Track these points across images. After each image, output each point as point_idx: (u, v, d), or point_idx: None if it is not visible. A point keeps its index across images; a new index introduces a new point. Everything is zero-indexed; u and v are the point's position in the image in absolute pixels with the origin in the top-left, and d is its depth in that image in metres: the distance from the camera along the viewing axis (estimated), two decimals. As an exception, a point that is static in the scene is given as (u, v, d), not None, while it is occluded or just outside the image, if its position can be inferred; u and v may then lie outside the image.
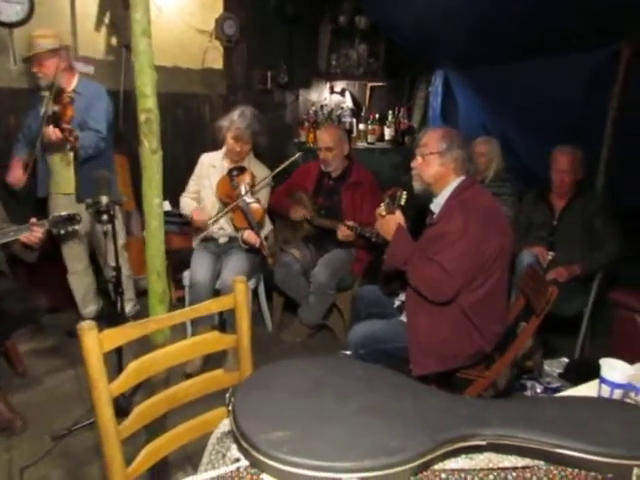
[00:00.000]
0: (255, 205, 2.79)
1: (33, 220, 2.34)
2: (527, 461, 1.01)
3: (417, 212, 2.73)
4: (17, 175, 2.82)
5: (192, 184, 3.00)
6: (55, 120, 2.54)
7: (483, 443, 1.00)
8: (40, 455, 2.13)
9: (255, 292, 3.10)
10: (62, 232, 2.39)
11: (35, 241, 2.32)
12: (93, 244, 3.04)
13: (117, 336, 1.28)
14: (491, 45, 3.43)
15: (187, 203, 2.97)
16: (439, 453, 0.97)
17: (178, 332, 2.51)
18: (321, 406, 1.03)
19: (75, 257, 3.03)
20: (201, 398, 1.45)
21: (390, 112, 4.68)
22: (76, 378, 2.69)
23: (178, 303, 3.33)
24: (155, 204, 1.80)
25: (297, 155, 3.08)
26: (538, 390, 2.67)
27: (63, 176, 2.85)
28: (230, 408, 1.03)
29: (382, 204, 2.13)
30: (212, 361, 2.69)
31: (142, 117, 1.75)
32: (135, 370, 1.30)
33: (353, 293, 3.01)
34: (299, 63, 4.43)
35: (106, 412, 1.23)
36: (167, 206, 3.35)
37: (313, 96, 4.59)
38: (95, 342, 1.22)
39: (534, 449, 1.00)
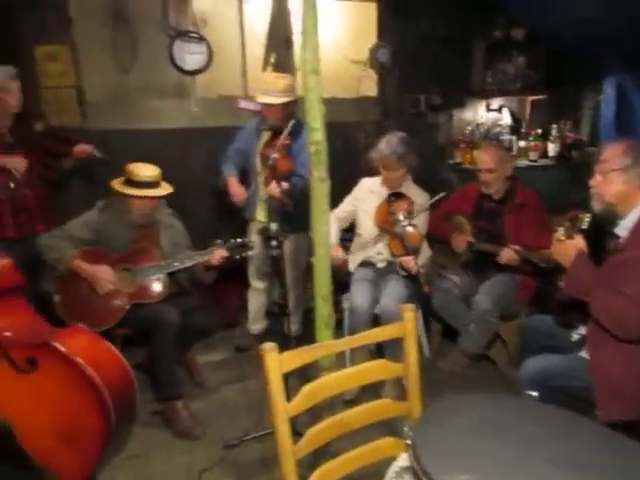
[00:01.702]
0: (413, 231, 2.76)
1: (216, 244, 2.64)
2: None
3: (594, 235, 2.46)
4: (239, 192, 3.01)
5: (347, 203, 3.06)
6: (274, 171, 2.70)
7: None
8: (215, 461, 2.30)
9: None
10: (237, 257, 2.65)
11: (215, 264, 2.60)
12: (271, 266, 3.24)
13: (295, 358, 1.34)
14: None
15: (331, 231, 3.02)
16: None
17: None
18: (507, 450, 0.96)
19: (257, 276, 3.27)
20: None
21: (554, 126, 4.35)
22: (244, 391, 2.89)
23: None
24: (323, 232, 1.89)
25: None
26: None
27: (265, 206, 3.04)
28: (409, 442, 1.01)
29: (560, 228, 1.94)
30: (369, 388, 2.69)
31: (312, 149, 1.84)
32: (309, 393, 1.35)
33: (520, 323, 2.79)
34: (452, 83, 4.35)
35: (283, 430, 1.28)
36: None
37: (468, 115, 4.47)
38: (276, 363, 1.28)
39: None
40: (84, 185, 3.49)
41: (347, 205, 3.04)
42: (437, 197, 2.88)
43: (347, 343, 1.50)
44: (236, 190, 3.03)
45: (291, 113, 2.96)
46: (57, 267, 2.57)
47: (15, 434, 1.89)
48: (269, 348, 1.28)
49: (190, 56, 3.63)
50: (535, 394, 1.82)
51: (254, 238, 2.88)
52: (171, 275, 2.73)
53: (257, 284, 3.31)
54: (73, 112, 3.54)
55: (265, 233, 2.35)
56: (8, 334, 1.95)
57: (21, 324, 2.04)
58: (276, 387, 1.27)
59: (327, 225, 1.88)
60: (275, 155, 2.72)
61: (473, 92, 4.40)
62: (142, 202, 2.66)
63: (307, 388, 1.35)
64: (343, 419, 1.41)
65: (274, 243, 2.36)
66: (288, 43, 3.78)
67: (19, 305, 2.12)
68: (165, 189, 2.70)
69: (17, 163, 2.81)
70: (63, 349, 1.92)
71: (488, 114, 4.48)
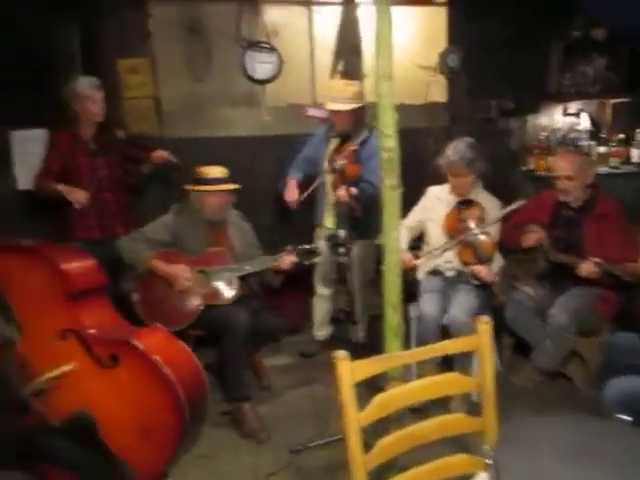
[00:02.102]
0: (485, 239, 2.68)
1: (287, 249, 2.70)
2: None
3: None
4: (294, 195, 3.05)
5: (415, 212, 3.01)
6: (343, 176, 2.75)
7: None
8: (280, 466, 2.32)
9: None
10: (306, 263, 2.69)
11: (285, 269, 2.64)
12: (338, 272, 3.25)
13: (366, 367, 1.33)
14: None
15: (401, 239, 2.98)
16: None
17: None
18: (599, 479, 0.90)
19: (322, 282, 3.29)
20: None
21: (638, 130, 4.08)
22: (310, 397, 2.90)
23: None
24: (393, 238, 1.87)
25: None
26: None
27: (333, 212, 3.05)
28: (490, 462, 0.97)
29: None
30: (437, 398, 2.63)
31: (384, 156, 1.83)
32: (380, 403, 1.33)
33: (602, 340, 2.63)
34: (525, 87, 4.20)
35: (355, 440, 1.27)
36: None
37: (542, 120, 4.29)
38: (348, 372, 1.27)
39: None
40: (159, 190, 3.65)
41: (416, 214, 3.00)
42: (514, 205, 2.77)
43: (419, 354, 1.47)
44: (290, 192, 3.07)
45: (359, 120, 2.97)
46: (136, 268, 2.71)
47: (98, 426, 2.00)
48: (341, 357, 1.27)
49: (261, 65, 3.73)
50: (628, 418, 1.69)
51: (321, 244, 2.90)
52: (242, 278, 2.80)
53: (323, 290, 3.32)
54: (151, 121, 3.73)
55: (333, 240, 2.36)
56: (93, 332, 2.06)
57: (104, 322, 2.15)
58: (348, 396, 1.26)
59: (398, 232, 1.86)
60: (343, 161, 2.77)
61: (549, 96, 4.22)
62: (214, 198, 2.76)
63: (379, 398, 1.33)
64: (415, 432, 1.38)
65: (342, 250, 2.37)
66: (356, 50, 3.79)
67: (102, 304, 2.24)
68: (233, 185, 2.80)
69: (80, 197, 2.97)
70: (142, 347, 2.01)
71: (565, 118, 4.28)
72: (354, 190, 2.78)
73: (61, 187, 2.97)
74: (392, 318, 1.87)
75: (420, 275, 2.94)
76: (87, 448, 1.97)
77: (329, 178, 3.03)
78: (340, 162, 2.79)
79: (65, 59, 3.69)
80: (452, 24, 4.03)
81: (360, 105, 2.97)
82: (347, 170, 2.78)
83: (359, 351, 2.24)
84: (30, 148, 3.71)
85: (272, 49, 3.71)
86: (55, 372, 2.01)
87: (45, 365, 2.04)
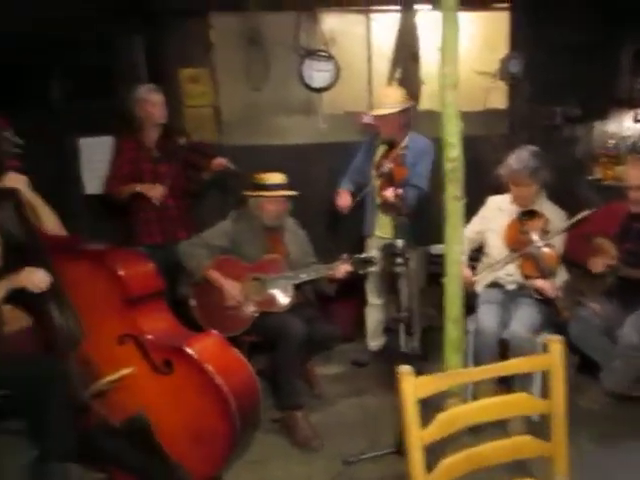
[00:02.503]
0: (549, 252, 2.57)
1: (343, 258, 2.70)
2: None
3: None
4: (346, 201, 3.06)
5: (474, 223, 2.93)
6: (390, 179, 2.74)
7: None
8: (332, 476, 2.30)
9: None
10: (361, 272, 2.67)
11: (340, 278, 2.64)
12: (390, 282, 3.22)
13: (430, 384, 1.29)
14: None
15: None
16: None
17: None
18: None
19: (375, 292, 3.27)
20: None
21: None
22: (361, 407, 2.86)
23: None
24: (456, 250, 1.83)
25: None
26: None
27: (387, 221, 3.03)
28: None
29: None
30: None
31: (448, 165, 1.80)
32: (444, 421, 1.29)
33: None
34: (592, 93, 4.01)
35: (417, 458, 1.24)
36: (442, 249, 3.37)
37: (611, 127, 4.08)
38: (412, 387, 1.24)
39: None
40: (217, 196, 3.72)
41: (475, 226, 2.91)
42: (580, 216, 2.64)
43: (486, 372, 1.41)
44: (342, 199, 3.08)
45: (405, 124, 3.00)
46: (194, 274, 2.76)
47: (154, 429, 2.04)
48: (405, 372, 1.24)
49: (318, 74, 3.74)
50: None
51: (373, 254, 2.89)
52: (297, 286, 2.81)
53: (375, 300, 3.29)
54: (210, 129, 3.81)
55: (390, 249, 2.33)
56: (150, 337, 2.11)
57: (161, 328, 2.20)
58: (411, 413, 1.23)
59: (461, 244, 1.82)
60: (390, 165, 2.79)
61: (618, 102, 4.01)
62: (273, 204, 2.79)
63: (443, 416, 1.29)
64: (481, 453, 1.33)
65: (400, 260, 2.33)
66: (414, 57, 3.75)
67: (160, 309, 2.29)
68: (292, 192, 2.84)
69: (157, 191, 3.06)
70: (195, 355, 2.04)
71: (636, 125, 4.05)
72: (400, 190, 2.72)
73: (139, 187, 3.07)
74: (453, 332, 1.83)
75: (478, 287, 2.85)
76: (145, 450, 2.02)
77: (377, 184, 3.02)
78: (387, 166, 2.80)
79: (130, 69, 3.84)
80: (514, 28, 3.91)
81: (404, 108, 2.97)
82: (394, 173, 2.77)
83: (412, 363, 2.20)
84: (97, 155, 3.89)
85: (329, 57, 3.72)
86: (115, 375, 2.08)
87: (105, 368, 2.12)
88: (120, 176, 3.14)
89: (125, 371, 2.08)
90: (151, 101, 3.11)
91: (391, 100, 2.97)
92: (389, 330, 3.43)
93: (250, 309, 2.73)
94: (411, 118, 3.07)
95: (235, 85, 3.79)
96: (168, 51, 3.73)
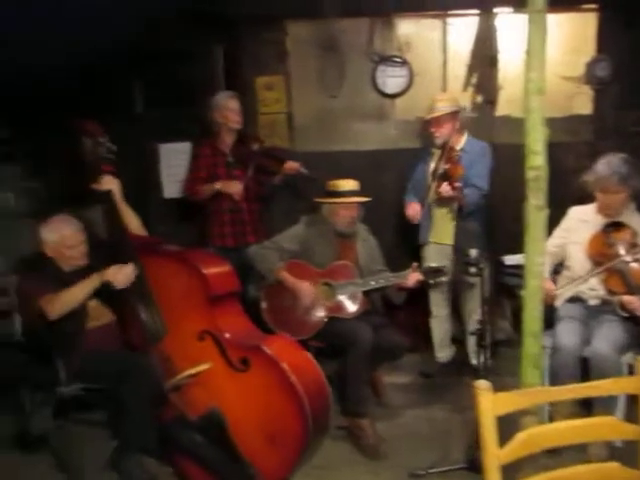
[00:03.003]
0: (637, 267, 2.40)
1: (414, 265, 2.69)
2: None
3: None
4: (416, 209, 3.09)
5: (556, 236, 2.79)
6: (446, 177, 2.80)
7: None
8: (399, 488, 2.27)
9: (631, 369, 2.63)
10: (431, 282, 2.65)
11: (409, 287, 2.60)
12: (458, 293, 3.17)
13: (509, 401, 1.23)
14: None
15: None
16: None
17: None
18: None
19: (439, 303, 3.23)
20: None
21: None
22: (429, 419, 2.80)
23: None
24: (537, 263, 1.74)
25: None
26: None
27: (444, 228, 3.07)
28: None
29: None
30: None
31: (530, 174, 1.73)
32: (523, 441, 1.23)
33: None
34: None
35: (494, 478, 1.19)
36: (518, 260, 3.25)
37: None
38: (490, 403, 1.19)
39: None
40: (287, 200, 3.78)
41: (556, 239, 2.77)
42: None
43: (567, 392, 1.33)
44: (411, 208, 3.10)
45: (459, 128, 3.03)
46: (266, 277, 2.81)
47: (227, 425, 2.09)
48: (484, 387, 1.20)
49: (392, 80, 3.73)
50: None
51: (432, 262, 2.87)
52: (365, 293, 2.80)
53: (440, 311, 3.24)
54: (283, 136, 3.89)
55: (464, 259, 2.27)
56: (227, 335, 2.17)
57: (238, 326, 2.26)
58: (489, 430, 1.19)
59: (542, 256, 1.74)
60: (446, 165, 2.84)
61: None
62: (346, 210, 2.80)
63: (523, 436, 1.23)
64: (564, 477, 1.25)
65: (473, 270, 2.27)
66: (492, 61, 3.64)
67: (236, 309, 2.35)
68: (365, 197, 2.85)
69: (236, 187, 3.18)
70: (271, 354, 2.07)
71: None
72: (458, 184, 2.77)
73: (218, 184, 3.20)
74: (531, 348, 1.74)
75: (558, 302, 2.71)
76: (219, 446, 2.08)
77: (433, 190, 3.01)
78: (443, 167, 2.86)
79: (209, 78, 4.00)
80: (602, 31, 3.70)
81: (456, 111, 3.02)
82: (450, 171, 2.81)
83: (483, 377, 2.12)
84: (175, 160, 4.08)
85: (404, 63, 3.69)
86: (193, 370, 2.14)
87: (183, 363, 2.19)
88: (198, 179, 3.27)
89: (203, 366, 2.14)
90: (229, 107, 3.23)
91: (442, 103, 3.03)
92: (456, 340, 3.36)
93: (319, 314, 2.75)
94: (465, 121, 3.11)
95: (309, 91, 3.84)
96: (245, 60, 3.85)
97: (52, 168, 4.29)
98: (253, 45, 3.81)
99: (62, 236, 2.41)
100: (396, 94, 3.75)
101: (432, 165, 3.08)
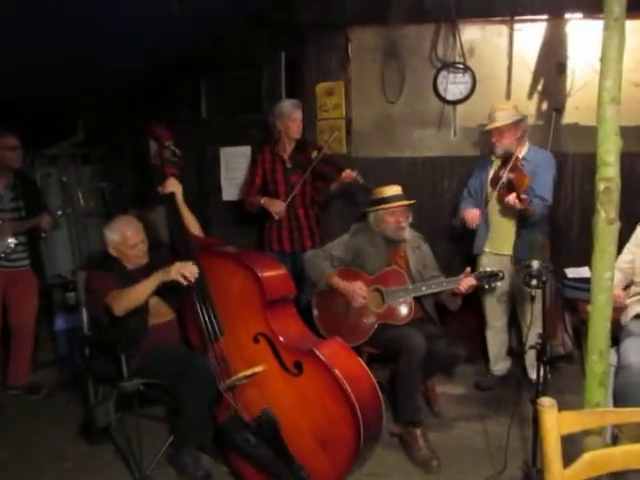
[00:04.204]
0: None
1: (466, 271, 2.64)
2: None
3: None
4: (475, 213, 3.01)
5: (627, 252, 2.65)
6: (511, 187, 2.73)
7: None
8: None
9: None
10: (486, 286, 2.64)
11: (463, 292, 2.60)
12: (517, 305, 3.08)
13: (574, 420, 1.20)
14: None
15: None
16: None
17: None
18: None
19: (495, 314, 3.15)
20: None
21: None
22: (484, 433, 2.72)
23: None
24: (605, 277, 1.68)
25: None
26: None
27: (502, 238, 3.00)
28: None
29: None
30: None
31: (601, 185, 1.67)
32: (590, 462, 1.19)
33: None
34: None
35: (557, 498, 1.15)
36: (581, 273, 3.12)
37: None
38: (554, 422, 1.16)
39: None
40: (342, 206, 3.80)
41: (628, 254, 2.61)
42: None
43: (638, 414, 1.27)
44: (470, 212, 3.02)
45: (521, 137, 2.94)
46: (318, 283, 2.84)
47: (280, 427, 2.12)
48: (549, 405, 1.17)
49: (453, 86, 3.68)
50: None
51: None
52: (418, 299, 2.78)
53: (496, 322, 3.15)
54: (340, 141, 3.90)
55: (527, 271, 2.20)
56: (282, 339, 2.20)
57: (292, 330, 2.29)
58: (553, 449, 1.15)
59: (611, 271, 1.67)
60: (511, 174, 2.76)
61: None
62: (392, 216, 2.80)
63: (589, 456, 1.18)
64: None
65: (535, 282, 2.19)
66: (561, 68, 3.52)
67: (291, 313, 2.39)
68: (409, 201, 2.84)
69: (278, 207, 3.23)
70: (325, 359, 2.08)
71: None
72: (525, 196, 2.70)
73: (263, 200, 3.27)
74: (597, 365, 1.67)
75: (625, 319, 2.58)
76: (271, 447, 2.11)
77: (493, 198, 2.93)
78: (507, 176, 2.77)
79: (271, 83, 4.09)
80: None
81: (518, 120, 2.92)
82: (516, 180, 2.74)
83: (543, 393, 2.05)
84: (234, 164, 4.20)
85: (466, 69, 3.63)
86: (248, 371, 2.19)
87: (239, 364, 2.25)
88: (253, 185, 3.36)
89: (258, 368, 2.18)
90: (291, 117, 3.28)
91: (503, 112, 2.94)
92: (512, 352, 3.26)
93: (370, 320, 2.75)
94: (527, 130, 3.01)
95: (369, 97, 3.85)
96: (307, 65, 3.90)
97: (120, 170, 4.52)
98: (315, 51, 3.87)
99: (124, 236, 2.52)
100: (457, 101, 3.69)
101: (492, 172, 3.01)
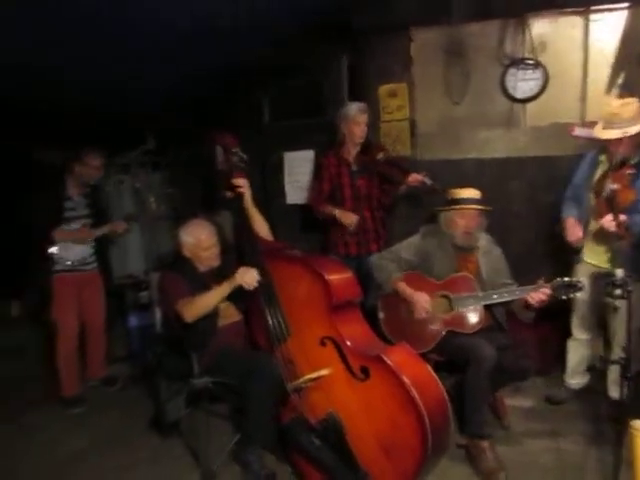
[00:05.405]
0: None
1: (540, 282, 2.49)
2: None
3: None
4: (575, 231, 2.69)
5: None
6: (612, 201, 2.39)
7: None
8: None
9: None
10: (563, 297, 2.47)
11: (537, 301, 2.44)
12: (604, 317, 2.87)
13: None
14: None
15: None
16: None
17: None
18: None
19: (582, 325, 2.93)
20: None
21: None
22: (555, 450, 2.58)
23: None
24: None
25: None
26: None
27: (599, 248, 2.72)
28: None
29: None
30: None
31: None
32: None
33: None
34: None
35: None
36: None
37: None
38: (647, 447, 1.07)
39: None
40: (408, 209, 3.73)
41: None
42: None
43: None
44: (572, 230, 2.71)
45: (638, 142, 2.55)
46: (384, 287, 2.80)
47: (345, 431, 2.10)
48: (641, 427, 1.08)
49: (523, 83, 3.52)
50: None
51: (583, 281, 2.57)
52: (488, 307, 2.67)
53: (580, 335, 2.94)
54: (405, 143, 3.84)
55: (609, 280, 2.06)
56: (348, 343, 2.18)
57: (359, 334, 2.27)
58: (645, 475, 1.06)
59: None
60: (615, 186, 2.40)
61: None
62: (463, 219, 2.70)
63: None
64: None
65: (618, 292, 2.05)
66: (641, 59, 3.28)
67: (357, 317, 2.37)
68: (484, 206, 2.73)
69: (350, 220, 3.20)
70: (392, 365, 2.04)
71: None
72: (623, 217, 2.36)
73: (337, 212, 3.24)
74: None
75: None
76: (336, 451, 2.09)
77: (593, 206, 2.67)
78: (611, 187, 2.42)
79: (333, 87, 4.08)
80: None
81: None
82: (618, 196, 2.39)
83: (624, 412, 1.88)
84: (297, 167, 4.23)
85: (537, 65, 3.46)
86: (314, 374, 2.19)
87: (304, 367, 2.25)
88: (322, 191, 3.34)
89: (324, 371, 2.18)
90: (357, 121, 3.25)
91: (622, 117, 2.52)
92: (592, 369, 3.06)
93: (437, 327, 2.67)
94: None
95: (433, 98, 3.76)
96: (369, 68, 3.87)
97: (188, 176, 4.67)
98: (377, 53, 3.82)
99: (198, 239, 2.59)
100: (528, 98, 3.52)
101: (598, 173, 2.70)
